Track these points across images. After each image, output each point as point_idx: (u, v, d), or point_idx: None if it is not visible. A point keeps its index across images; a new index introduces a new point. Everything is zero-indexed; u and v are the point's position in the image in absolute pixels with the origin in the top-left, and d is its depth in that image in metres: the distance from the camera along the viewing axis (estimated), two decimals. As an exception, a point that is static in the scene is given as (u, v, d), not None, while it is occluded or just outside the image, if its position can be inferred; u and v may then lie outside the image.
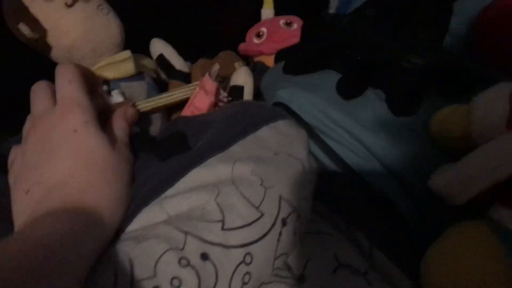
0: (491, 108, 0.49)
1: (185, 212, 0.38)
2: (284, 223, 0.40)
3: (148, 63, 0.70)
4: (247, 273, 0.38)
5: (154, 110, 0.59)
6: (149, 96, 0.62)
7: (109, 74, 0.59)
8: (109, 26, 0.60)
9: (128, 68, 0.61)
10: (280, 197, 0.41)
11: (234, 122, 0.48)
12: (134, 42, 0.65)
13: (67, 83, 0.43)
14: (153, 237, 0.36)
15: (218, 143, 0.44)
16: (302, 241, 0.45)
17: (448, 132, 0.54)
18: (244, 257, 0.37)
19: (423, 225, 0.55)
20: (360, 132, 0.59)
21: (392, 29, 0.64)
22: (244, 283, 0.38)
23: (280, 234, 0.40)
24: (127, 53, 0.61)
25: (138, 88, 0.61)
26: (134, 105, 0.54)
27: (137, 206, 0.40)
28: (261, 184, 0.40)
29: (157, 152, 0.47)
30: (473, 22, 0.73)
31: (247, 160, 0.42)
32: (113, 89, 0.55)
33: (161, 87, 0.69)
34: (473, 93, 0.52)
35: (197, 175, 0.41)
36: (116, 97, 0.55)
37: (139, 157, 0.47)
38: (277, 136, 0.47)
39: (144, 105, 0.57)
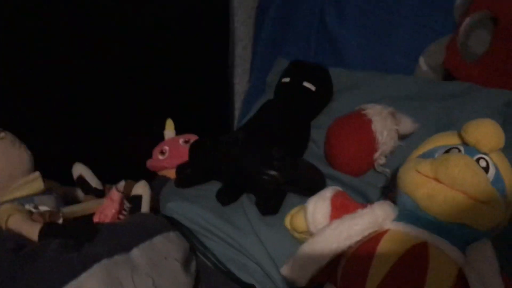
0: (316, 207, 0.66)
1: None
2: None
3: (54, 185, 0.83)
4: None
5: (75, 216, 0.72)
6: (57, 206, 0.74)
7: (24, 192, 0.72)
8: (22, 155, 0.75)
9: (38, 185, 0.75)
10: None
11: (135, 230, 0.62)
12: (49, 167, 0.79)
13: None
14: None
15: (122, 245, 0.57)
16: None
17: (296, 228, 0.69)
18: None
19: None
20: (235, 233, 0.73)
21: (257, 148, 0.81)
22: None
23: None
24: (36, 175, 0.75)
25: (47, 200, 0.75)
26: (58, 213, 0.67)
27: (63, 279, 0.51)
28: (152, 284, 0.53)
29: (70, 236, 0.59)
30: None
31: (144, 262, 0.56)
32: (28, 203, 0.69)
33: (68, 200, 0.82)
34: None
35: (104, 268, 0.53)
36: (44, 207, 0.70)
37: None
38: (167, 243, 0.62)
39: (67, 210, 0.71)
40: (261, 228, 0.73)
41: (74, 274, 0.52)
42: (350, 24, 1.11)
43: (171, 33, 1.09)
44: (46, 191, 0.75)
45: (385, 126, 0.83)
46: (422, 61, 1.00)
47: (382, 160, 0.84)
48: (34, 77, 0.84)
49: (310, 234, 0.66)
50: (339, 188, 0.70)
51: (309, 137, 0.94)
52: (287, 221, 0.71)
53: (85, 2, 0.89)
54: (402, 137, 0.86)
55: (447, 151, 0.62)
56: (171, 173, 1.00)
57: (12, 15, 0.78)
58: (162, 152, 1.05)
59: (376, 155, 0.83)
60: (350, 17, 1.10)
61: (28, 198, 0.72)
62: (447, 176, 0.56)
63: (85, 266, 0.53)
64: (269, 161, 0.77)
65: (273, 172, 0.75)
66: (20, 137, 0.76)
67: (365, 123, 0.83)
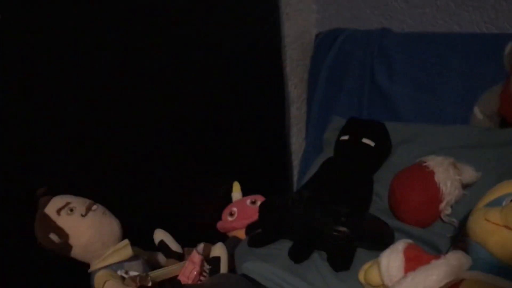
0: (390, 261, 0.68)
1: None
2: None
3: (139, 251, 0.90)
4: None
5: (160, 279, 0.79)
6: (144, 270, 0.81)
7: (115, 258, 0.79)
8: (112, 225, 0.82)
9: (128, 252, 0.81)
10: None
11: None
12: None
13: None
14: None
15: None
16: None
17: (370, 282, 0.72)
18: None
19: None
20: (309, 289, 0.76)
21: (323, 205, 0.85)
22: None
23: None
24: (125, 242, 0.82)
25: (136, 265, 0.82)
26: (147, 276, 0.73)
27: None
28: None
29: None
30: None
31: None
32: (120, 269, 0.76)
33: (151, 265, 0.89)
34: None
35: None
36: (133, 272, 0.77)
37: None
38: None
39: (154, 274, 0.78)
40: (334, 283, 0.76)
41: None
42: (400, 79, 1.15)
43: (235, 99, 1.18)
44: (134, 257, 0.82)
45: (448, 176, 0.85)
46: (477, 110, 1.01)
47: (448, 210, 0.86)
48: (115, 158, 0.94)
49: (385, 287, 0.69)
50: (410, 241, 0.72)
51: (372, 191, 0.97)
52: (361, 276, 0.74)
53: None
54: (465, 186, 0.87)
55: None
56: (241, 234, 1.05)
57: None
58: (231, 214, 1.11)
59: (442, 205, 0.85)
60: (400, 72, 1.15)
61: (119, 264, 0.79)
62: None
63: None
64: (337, 217, 0.80)
65: (342, 228, 0.79)
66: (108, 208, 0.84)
67: (428, 175, 0.86)
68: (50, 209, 0.77)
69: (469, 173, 0.86)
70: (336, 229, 0.79)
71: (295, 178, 1.48)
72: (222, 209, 1.15)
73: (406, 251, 0.69)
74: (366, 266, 0.74)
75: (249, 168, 1.25)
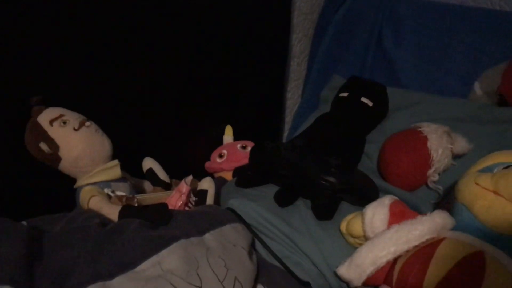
0: (375, 213, 0.70)
1: (173, 270, 0.54)
2: None
3: (127, 176, 0.89)
4: None
5: (146, 203, 0.79)
6: (131, 193, 0.81)
7: (103, 177, 0.79)
8: (103, 143, 0.82)
9: (117, 172, 0.82)
10: (236, 278, 0.59)
11: (207, 217, 0.67)
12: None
13: None
14: None
15: (197, 229, 0.63)
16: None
17: (351, 232, 0.73)
18: None
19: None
20: (291, 233, 0.77)
21: (313, 155, 0.85)
22: None
23: None
24: (115, 162, 0.82)
25: (123, 187, 0.83)
26: (133, 198, 0.73)
27: (145, 253, 0.56)
28: (224, 266, 0.58)
29: (147, 218, 0.64)
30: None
31: (216, 246, 0.60)
32: (107, 187, 0.76)
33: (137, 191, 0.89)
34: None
35: (182, 247, 0.58)
36: (120, 192, 0.77)
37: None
38: (235, 233, 0.67)
39: (140, 197, 0.78)
40: (316, 231, 0.77)
41: (156, 249, 0.57)
42: (406, 46, 1.14)
43: (236, 45, 1.16)
44: (122, 179, 0.82)
45: (440, 144, 0.86)
46: (477, 86, 1.02)
47: (435, 177, 0.87)
48: (117, 81, 0.92)
49: (366, 239, 0.70)
50: (396, 197, 0.73)
51: (363, 151, 0.97)
52: (343, 226, 0.75)
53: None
54: (455, 156, 0.88)
55: (506, 167, 0.64)
56: (228, 176, 1.06)
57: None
58: (221, 155, 1.11)
59: (430, 172, 0.86)
60: (407, 39, 1.14)
61: (106, 183, 0.79)
62: (507, 189, 0.59)
63: (165, 243, 0.58)
64: (327, 167, 0.81)
65: (331, 178, 0.79)
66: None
67: (421, 140, 0.86)
68: (43, 119, 0.76)
69: (462, 144, 0.87)
70: (325, 178, 0.79)
71: (285, 134, 1.48)
72: (212, 150, 1.15)
73: (392, 206, 0.70)
74: (349, 217, 0.75)
75: (243, 115, 1.25)
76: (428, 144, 0.86)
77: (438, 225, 0.64)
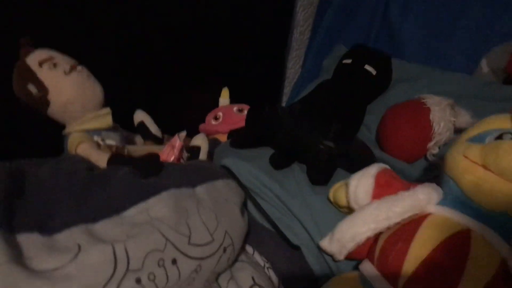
0: (359, 184, 0.66)
1: (161, 218, 0.51)
2: (224, 250, 0.55)
3: (118, 127, 0.86)
4: (193, 279, 0.51)
5: (137, 154, 0.76)
6: (122, 144, 0.78)
7: (94, 124, 0.76)
8: (95, 89, 0.78)
9: (108, 121, 0.78)
10: (226, 232, 0.56)
11: (199, 171, 0.65)
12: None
13: None
14: (143, 234, 0.48)
15: (189, 180, 0.60)
16: (230, 265, 0.59)
17: (337, 202, 0.70)
18: (196, 267, 0.51)
19: (325, 268, 0.70)
20: (284, 195, 0.74)
21: (312, 120, 0.83)
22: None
23: (220, 257, 0.54)
24: (107, 110, 0.79)
25: (114, 136, 0.79)
26: (123, 148, 0.70)
27: (133, 199, 0.54)
28: (215, 218, 0.56)
29: (137, 167, 0.61)
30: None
31: (208, 199, 0.58)
32: (97, 135, 0.72)
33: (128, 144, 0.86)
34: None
35: (172, 196, 0.55)
36: (110, 142, 0.74)
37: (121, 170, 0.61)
38: (227, 188, 0.64)
39: (131, 149, 0.75)
40: (309, 195, 0.75)
41: (144, 196, 0.54)
42: (413, 19, 1.11)
43: (239, 6, 1.12)
44: (112, 128, 0.79)
45: (443, 116, 0.83)
46: (484, 62, 0.99)
47: (435, 150, 0.85)
48: (114, 30, 0.88)
49: (351, 209, 0.67)
50: (385, 166, 0.69)
51: (362, 120, 0.95)
52: (331, 194, 0.72)
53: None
54: (457, 130, 0.86)
55: (499, 136, 0.57)
56: (222, 138, 1.04)
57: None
58: (216, 118, 1.08)
59: (431, 144, 0.84)
60: (415, 11, 1.11)
61: (97, 131, 0.76)
62: (496, 165, 0.52)
63: (154, 191, 0.55)
64: (326, 132, 0.78)
65: (329, 143, 0.77)
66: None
67: (424, 111, 0.84)
68: (32, 60, 0.73)
69: (465, 118, 0.85)
70: (323, 143, 0.77)
71: (283, 105, 1.45)
72: (207, 112, 1.12)
73: (378, 177, 0.66)
74: (336, 185, 0.72)
75: (241, 80, 1.21)
76: (431, 116, 0.83)
77: (422, 201, 0.60)
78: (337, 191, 0.70)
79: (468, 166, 0.56)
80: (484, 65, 0.99)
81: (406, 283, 0.53)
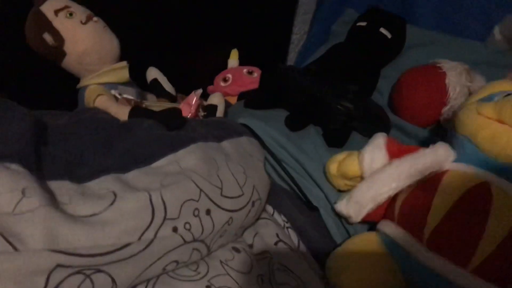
0: (374, 157, 0.65)
1: (193, 169, 0.50)
2: (253, 204, 0.55)
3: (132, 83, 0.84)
4: (225, 231, 0.51)
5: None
6: (138, 98, 0.77)
7: (110, 78, 0.74)
8: (112, 41, 0.76)
9: (125, 74, 0.76)
10: (254, 186, 0.56)
11: (224, 126, 0.64)
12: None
13: None
14: (177, 183, 0.47)
15: (214, 135, 0.59)
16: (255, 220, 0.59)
17: (346, 173, 0.68)
18: (229, 219, 0.51)
19: (342, 231, 0.70)
20: (301, 157, 0.74)
21: (329, 81, 0.81)
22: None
23: (249, 211, 0.54)
24: (124, 63, 0.77)
25: (131, 91, 0.77)
26: (141, 102, 0.68)
27: (162, 150, 0.52)
28: (243, 172, 0.55)
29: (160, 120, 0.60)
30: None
31: (235, 153, 0.57)
32: (114, 89, 0.70)
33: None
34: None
35: (201, 148, 0.54)
36: (127, 96, 0.72)
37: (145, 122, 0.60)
38: (251, 145, 0.64)
39: (148, 103, 0.74)
40: (326, 157, 0.74)
41: (173, 148, 0.53)
42: (427, -16, 1.09)
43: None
44: (129, 83, 0.77)
45: (459, 81, 0.83)
46: (497, 30, 0.98)
47: (449, 115, 0.85)
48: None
49: (361, 179, 0.66)
50: (385, 135, 0.69)
51: (376, 84, 0.94)
52: (334, 167, 0.70)
53: None
54: (472, 96, 0.86)
55: (507, 95, 0.60)
56: (232, 100, 1.02)
57: None
58: (225, 80, 1.06)
59: (445, 109, 0.84)
60: (429, -23, 1.09)
61: (113, 85, 0.74)
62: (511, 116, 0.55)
63: (182, 143, 0.54)
64: (344, 92, 0.78)
65: (347, 104, 0.76)
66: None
67: (439, 76, 0.84)
68: (47, 8, 0.70)
69: (480, 84, 0.84)
70: (342, 103, 0.76)
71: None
72: (214, 74, 1.10)
73: (388, 146, 0.67)
74: (339, 157, 0.70)
75: (249, 41, 1.18)
76: (447, 80, 0.83)
77: (441, 157, 0.62)
78: (345, 164, 0.68)
79: (484, 122, 0.59)
80: (497, 33, 0.99)
81: (432, 234, 0.55)
